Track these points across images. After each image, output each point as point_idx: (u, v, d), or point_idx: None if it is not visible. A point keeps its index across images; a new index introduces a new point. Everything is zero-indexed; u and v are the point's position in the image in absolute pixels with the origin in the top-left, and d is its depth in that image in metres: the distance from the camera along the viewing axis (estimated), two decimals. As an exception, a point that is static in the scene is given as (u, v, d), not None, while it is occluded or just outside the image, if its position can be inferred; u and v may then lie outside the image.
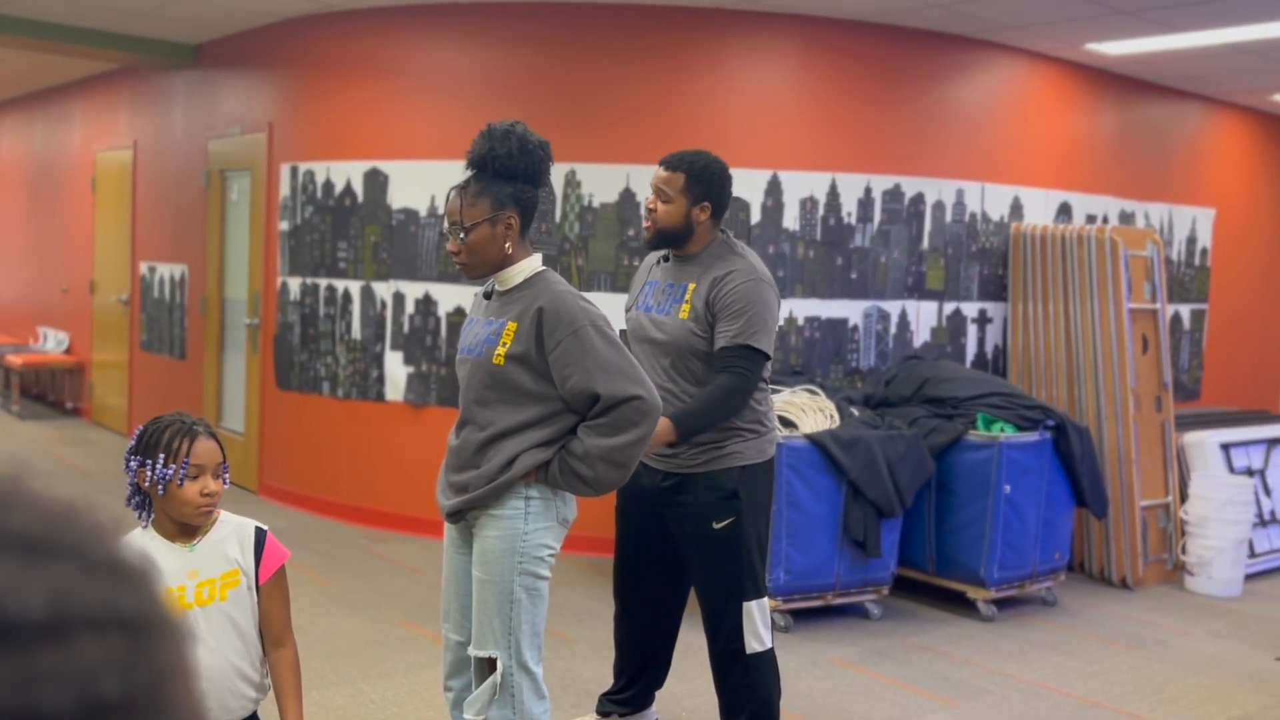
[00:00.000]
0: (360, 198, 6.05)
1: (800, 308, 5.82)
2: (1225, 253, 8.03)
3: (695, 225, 3.07)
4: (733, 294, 2.99)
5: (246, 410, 6.93)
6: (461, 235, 2.57)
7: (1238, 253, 8.16)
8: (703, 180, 3.06)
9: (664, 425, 2.90)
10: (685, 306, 3.05)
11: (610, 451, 2.51)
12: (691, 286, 3.06)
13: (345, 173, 6.10)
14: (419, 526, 5.92)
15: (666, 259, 3.19)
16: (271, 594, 2.21)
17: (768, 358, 3.04)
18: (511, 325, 2.55)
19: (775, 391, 5.39)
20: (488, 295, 2.70)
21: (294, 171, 6.37)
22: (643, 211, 3.13)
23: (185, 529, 2.15)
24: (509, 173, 2.58)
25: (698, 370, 3.05)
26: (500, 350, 2.54)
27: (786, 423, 4.91)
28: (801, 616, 4.80)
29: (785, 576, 4.59)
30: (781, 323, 5.82)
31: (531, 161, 2.60)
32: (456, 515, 2.63)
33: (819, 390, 5.28)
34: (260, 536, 2.21)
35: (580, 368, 2.50)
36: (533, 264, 2.63)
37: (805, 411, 4.90)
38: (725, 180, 3.11)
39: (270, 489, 6.68)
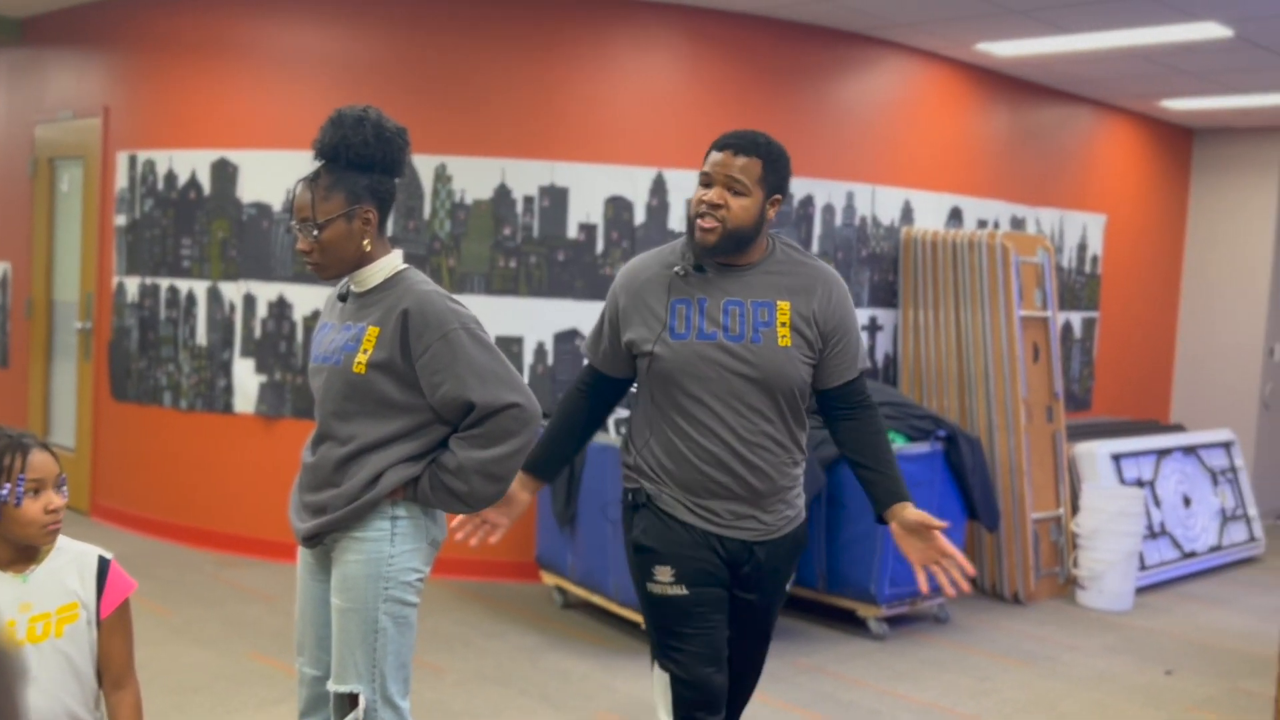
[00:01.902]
0: (207, 190, 5.89)
1: (685, 313, 5.86)
2: (1116, 260, 8.40)
3: (763, 224, 2.59)
4: (840, 312, 2.62)
5: (78, 423, 6.68)
6: (315, 232, 2.49)
7: (1128, 260, 8.54)
8: (779, 168, 2.60)
9: (914, 511, 2.57)
10: (783, 330, 2.56)
11: (486, 464, 2.46)
12: (784, 306, 2.57)
13: (190, 163, 5.94)
14: (272, 550, 5.78)
15: (699, 270, 2.61)
16: (113, 630, 2.13)
17: None
18: (373, 330, 2.48)
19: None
20: (343, 297, 2.62)
21: (132, 161, 6.18)
22: (694, 209, 2.57)
23: (18, 556, 2.06)
24: (365, 163, 2.51)
25: (800, 412, 2.64)
26: (361, 358, 2.47)
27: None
28: (686, 639, 4.83)
29: (669, 597, 4.61)
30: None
31: (390, 150, 2.53)
32: (314, 539, 2.56)
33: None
34: (103, 566, 2.14)
35: (452, 374, 2.44)
36: (393, 262, 2.57)
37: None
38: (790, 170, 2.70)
39: (105, 510, 6.44)
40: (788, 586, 2.77)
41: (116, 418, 6.37)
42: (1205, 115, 8.30)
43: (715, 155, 2.57)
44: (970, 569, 2.52)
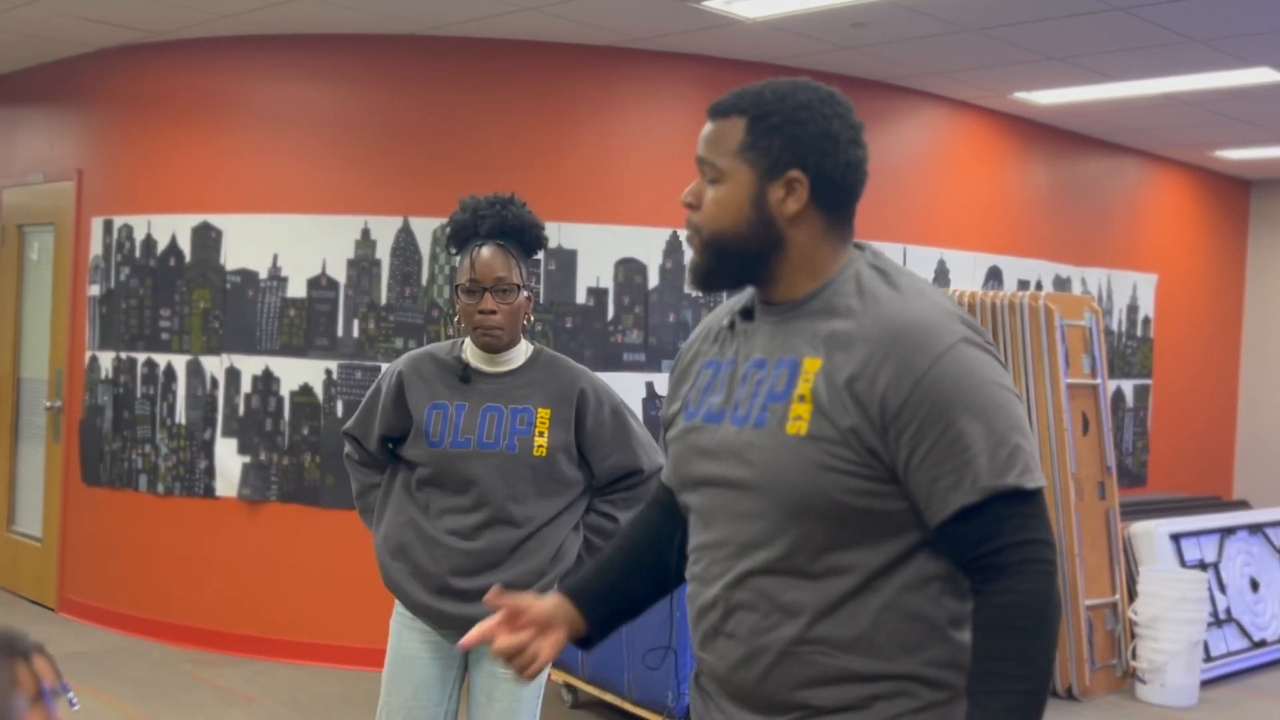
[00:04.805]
0: (188, 257, 5.97)
1: (703, 385, 5.89)
2: (1169, 322, 8.42)
3: (781, 226, 1.68)
4: (921, 385, 1.56)
5: (45, 511, 6.69)
6: (511, 296, 2.73)
7: (1183, 322, 8.56)
8: (785, 127, 1.76)
9: None
10: (799, 408, 1.61)
11: None
12: (810, 366, 1.62)
13: (170, 228, 6.02)
14: (255, 647, 5.76)
15: (748, 315, 1.76)
16: None
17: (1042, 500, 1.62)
18: (544, 412, 2.78)
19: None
20: (464, 378, 2.79)
21: (108, 226, 6.26)
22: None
23: None
24: (530, 251, 2.83)
25: (840, 551, 1.61)
26: (540, 440, 2.78)
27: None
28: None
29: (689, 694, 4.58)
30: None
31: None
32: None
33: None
34: None
35: (623, 446, 2.83)
36: (523, 341, 2.86)
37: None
38: (839, 128, 1.79)
39: (73, 605, 6.44)
40: None
41: (87, 504, 6.38)
42: (1262, 165, 8.37)
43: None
44: None
